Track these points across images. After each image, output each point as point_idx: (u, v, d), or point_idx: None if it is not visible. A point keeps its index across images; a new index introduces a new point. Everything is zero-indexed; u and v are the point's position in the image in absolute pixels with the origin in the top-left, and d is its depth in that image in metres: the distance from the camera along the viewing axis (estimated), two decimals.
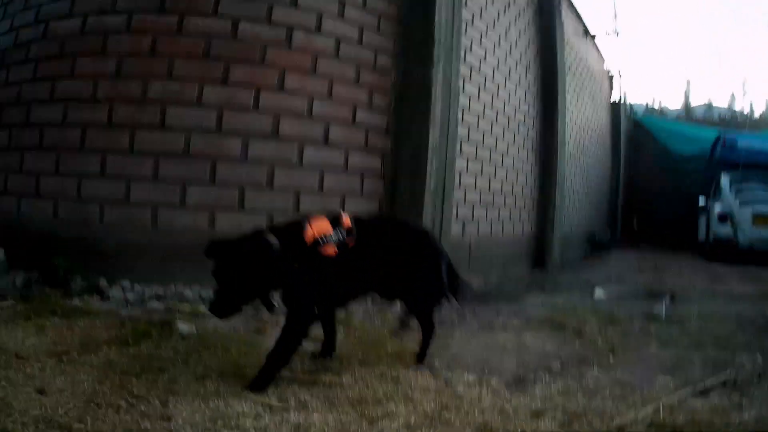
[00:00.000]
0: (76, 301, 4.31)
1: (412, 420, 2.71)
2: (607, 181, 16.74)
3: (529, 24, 9.53)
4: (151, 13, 5.05)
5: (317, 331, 3.43)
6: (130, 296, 4.56)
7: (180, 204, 4.93)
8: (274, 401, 2.82)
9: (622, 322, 5.16)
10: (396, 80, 5.89)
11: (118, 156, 4.95)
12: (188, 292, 4.62)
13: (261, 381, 2.96)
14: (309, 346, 3.53)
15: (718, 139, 14.39)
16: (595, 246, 13.51)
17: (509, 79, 8.54)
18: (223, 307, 3.01)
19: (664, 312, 5.76)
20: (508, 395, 3.16)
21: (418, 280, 3.55)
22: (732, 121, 21.38)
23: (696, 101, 29.86)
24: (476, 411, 2.87)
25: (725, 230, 12.28)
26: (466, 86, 7.09)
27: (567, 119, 10.82)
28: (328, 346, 3.60)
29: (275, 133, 5.16)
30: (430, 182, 5.75)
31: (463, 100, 6.89)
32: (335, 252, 3.15)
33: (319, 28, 5.39)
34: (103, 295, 4.54)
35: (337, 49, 5.52)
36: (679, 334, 4.79)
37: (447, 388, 3.22)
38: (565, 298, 6.64)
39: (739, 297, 7.02)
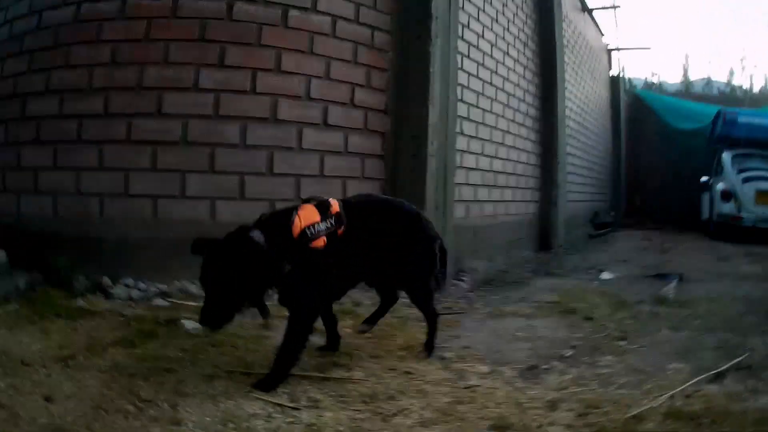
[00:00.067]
0: (80, 302, 4.25)
1: (426, 415, 2.68)
2: (609, 159, 16.70)
3: None
4: None
5: (318, 323, 3.36)
6: (134, 294, 4.50)
7: (180, 194, 4.84)
8: (285, 400, 2.77)
9: (632, 306, 5.16)
10: (394, 58, 5.79)
11: (116, 146, 4.86)
12: (192, 288, 4.54)
13: (271, 381, 2.90)
14: (317, 340, 3.49)
15: (718, 114, 14.28)
16: (599, 226, 13.48)
17: (508, 55, 8.42)
18: (213, 317, 2.90)
19: (672, 294, 5.73)
20: (522, 385, 3.13)
21: (413, 269, 3.47)
22: (732, 96, 21.26)
23: (695, 76, 29.70)
24: (491, 403, 2.83)
25: (729, 208, 12.19)
26: (465, 63, 7.00)
27: (566, 96, 10.74)
28: (332, 340, 3.54)
29: (274, 117, 5.06)
30: (431, 163, 5.67)
31: (461, 78, 6.80)
32: (324, 243, 3.03)
33: (314, 5, 5.26)
34: (106, 294, 4.47)
35: (334, 28, 5.39)
36: (689, 316, 4.77)
37: (460, 380, 3.19)
38: (573, 281, 6.62)
39: (746, 277, 6.98)
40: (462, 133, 6.85)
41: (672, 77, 47.50)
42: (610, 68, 17.39)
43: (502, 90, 8.19)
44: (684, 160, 16.68)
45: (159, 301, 4.45)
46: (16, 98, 5.27)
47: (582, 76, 13.13)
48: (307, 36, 5.23)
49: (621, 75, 18.20)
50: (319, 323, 3.34)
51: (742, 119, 13.64)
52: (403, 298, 3.79)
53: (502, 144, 8.16)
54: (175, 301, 4.47)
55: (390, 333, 3.98)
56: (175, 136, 4.85)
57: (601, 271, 7.22)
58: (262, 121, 5.03)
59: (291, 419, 2.58)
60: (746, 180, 12.20)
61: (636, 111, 19.65)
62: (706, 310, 4.95)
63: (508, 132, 8.40)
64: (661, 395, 2.90)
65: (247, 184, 4.97)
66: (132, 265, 4.70)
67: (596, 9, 14.21)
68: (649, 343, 4.00)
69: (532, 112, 9.50)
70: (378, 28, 5.70)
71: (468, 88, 7.10)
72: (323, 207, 3.12)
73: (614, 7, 14.14)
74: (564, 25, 10.68)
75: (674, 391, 2.95)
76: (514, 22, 8.69)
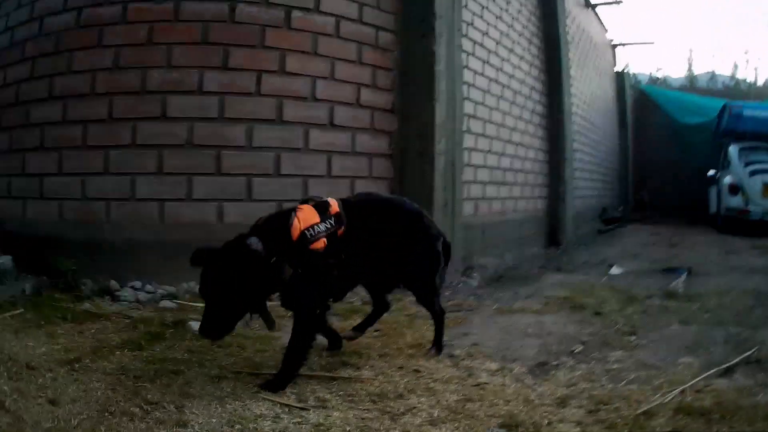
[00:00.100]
0: (86, 305, 4.24)
1: (436, 414, 2.65)
2: (616, 154, 16.64)
3: None
4: (147, 0, 4.93)
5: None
6: (141, 296, 4.50)
7: (187, 197, 4.85)
8: (292, 401, 2.76)
9: (641, 300, 5.13)
10: (399, 57, 5.79)
11: (121, 150, 4.87)
12: None
13: (279, 381, 2.89)
14: (324, 340, 3.47)
15: (724, 108, 14.20)
16: (607, 221, 13.43)
17: (513, 52, 8.40)
18: (214, 328, 2.85)
19: (681, 288, 5.70)
20: (532, 382, 3.11)
21: (416, 268, 3.42)
22: (736, 90, 21.12)
23: (699, 70, 29.55)
24: (500, 401, 2.81)
25: (736, 201, 12.12)
26: (470, 61, 6.99)
27: (572, 92, 10.70)
28: (333, 340, 3.50)
29: (279, 118, 5.06)
30: (439, 161, 5.67)
31: (467, 76, 6.79)
32: (325, 245, 2.96)
33: (317, 6, 5.27)
34: (113, 297, 4.47)
35: (338, 28, 5.40)
36: (698, 310, 4.75)
37: (469, 377, 3.16)
38: (582, 276, 6.59)
39: (754, 270, 6.93)
40: (469, 131, 6.84)
41: (676, 72, 47.32)
42: (614, 64, 17.33)
43: (509, 87, 8.17)
44: (690, 154, 16.63)
45: (166, 303, 4.44)
46: (20, 105, 5.30)
47: (587, 73, 13.08)
48: (310, 37, 5.23)
49: (625, 70, 18.12)
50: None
51: (747, 112, 13.57)
52: (411, 296, 3.77)
53: (509, 141, 8.14)
54: (182, 302, 4.46)
55: (398, 331, 3.97)
56: (180, 139, 4.86)
57: (610, 266, 7.18)
58: (268, 122, 5.03)
59: (299, 419, 2.56)
60: (753, 173, 12.12)
61: (641, 106, 19.60)
62: (716, 304, 4.93)
63: (515, 129, 8.38)
64: (672, 391, 2.88)
65: (255, 186, 4.97)
66: (139, 267, 4.70)
67: (599, 4, 14.13)
68: (658, 337, 3.98)
69: (539, 108, 9.47)
70: (382, 28, 5.69)
71: (474, 86, 7.09)
72: (322, 207, 3.06)
73: (617, 2, 14.04)
74: (567, 21, 10.63)
75: (684, 387, 2.92)
76: (518, 18, 8.66)
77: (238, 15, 4.97)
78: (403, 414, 2.65)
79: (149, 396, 2.69)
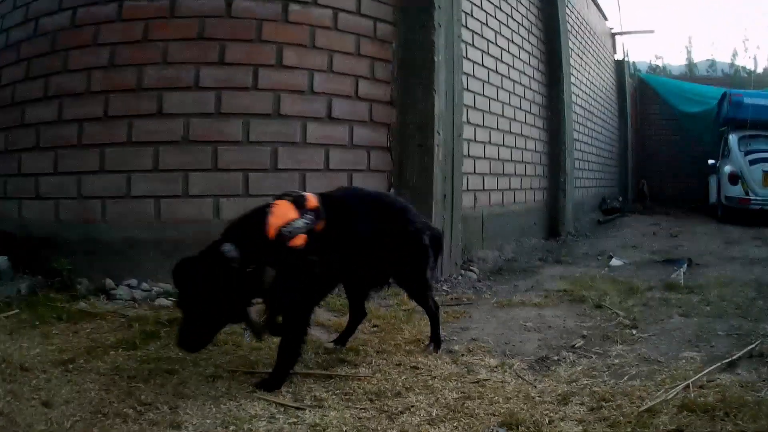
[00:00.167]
0: (82, 304, 4.21)
1: (434, 412, 2.62)
2: (616, 144, 16.55)
3: None
4: None
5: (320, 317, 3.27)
6: (137, 294, 4.47)
7: (183, 194, 4.81)
8: (288, 400, 2.73)
9: (642, 292, 5.10)
10: (397, 49, 5.73)
11: (117, 149, 4.84)
12: None
13: (274, 380, 2.86)
14: (321, 335, 3.44)
15: (724, 96, 14.11)
16: (608, 212, 13.38)
17: (512, 42, 8.34)
18: (191, 340, 2.76)
19: (682, 279, 5.66)
20: (532, 378, 3.08)
21: (405, 266, 3.32)
22: (736, 78, 20.99)
23: (698, 58, 29.37)
24: (500, 399, 2.78)
25: (736, 191, 12.06)
26: (469, 51, 6.93)
27: (572, 81, 10.64)
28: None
29: (277, 112, 5.02)
30: (438, 153, 5.62)
31: (466, 67, 6.74)
32: (304, 241, 2.84)
33: None
34: (109, 295, 4.44)
35: (335, 20, 5.34)
36: (700, 302, 4.72)
37: (468, 374, 3.13)
38: (582, 268, 6.55)
39: (755, 260, 6.91)
40: (468, 122, 6.78)
41: (676, 60, 47.08)
42: (614, 53, 17.23)
43: (508, 78, 8.12)
44: (690, 143, 16.54)
45: (162, 301, 4.40)
46: (15, 106, 5.28)
47: (587, 62, 13.00)
48: (308, 30, 5.18)
49: (625, 59, 18.01)
50: (321, 318, 3.27)
51: (747, 100, 13.45)
52: None
53: (509, 132, 8.09)
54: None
55: (396, 326, 3.94)
56: (176, 136, 4.82)
57: (611, 257, 7.14)
58: (265, 117, 4.98)
59: (294, 420, 2.53)
60: (753, 162, 12.05)
61: (641, 95, 19.49)
62: (717, 296, 4.89)
63: (515, 120, 8.33)
64: (675, 386, 2.84)
65: (252, 181, 4.93)
66: (135, 265, 4.67)
67: None
68: (660, 331, 3.95)
69: (538, 99, 9.40)
70: (380, 20, 5.64)
71: (473, 76, 7.03)
72: (299, 202, 2.92)
73: None
74: (567, 10, 10.56)
75: (687, 382, 2.88)
76: (517, 8, 8.59)
77: (235, 10, 4.93)
78: (401, 413, 2.61)
79: (143, 397, 2.66)
